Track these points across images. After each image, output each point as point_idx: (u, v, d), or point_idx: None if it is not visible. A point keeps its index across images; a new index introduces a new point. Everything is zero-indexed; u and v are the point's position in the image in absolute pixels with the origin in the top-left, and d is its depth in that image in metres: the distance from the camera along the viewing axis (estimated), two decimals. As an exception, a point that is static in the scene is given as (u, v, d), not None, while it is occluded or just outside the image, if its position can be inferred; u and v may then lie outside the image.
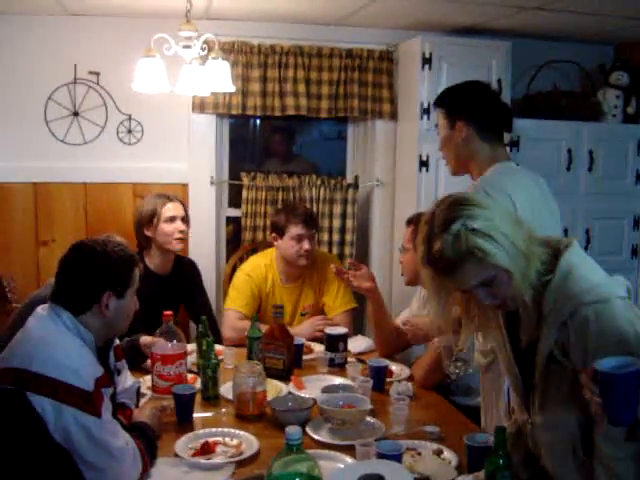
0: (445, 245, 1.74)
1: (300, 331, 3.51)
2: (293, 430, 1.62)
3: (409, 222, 3.22)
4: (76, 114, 4.27)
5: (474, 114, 2.65)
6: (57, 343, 2.08)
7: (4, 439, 2.02)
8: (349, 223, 4.55)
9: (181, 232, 3.63)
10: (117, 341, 2.45)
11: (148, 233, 3.60)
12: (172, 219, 3.61)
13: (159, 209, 3.60)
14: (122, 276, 2.22)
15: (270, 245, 3.95)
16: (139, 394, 2.61)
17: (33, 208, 4.31)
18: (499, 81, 4.23)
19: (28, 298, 2.92)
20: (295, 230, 3.65)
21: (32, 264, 4.33)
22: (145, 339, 2.91)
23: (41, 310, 2.20)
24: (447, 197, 1.83)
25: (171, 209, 3.64)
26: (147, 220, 3.61)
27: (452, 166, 2.75)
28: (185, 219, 3.69)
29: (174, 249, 3.62)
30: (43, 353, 2.03)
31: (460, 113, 2.66)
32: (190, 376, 2.88)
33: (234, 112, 4.37)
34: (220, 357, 2.98)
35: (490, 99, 2.76)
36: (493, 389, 2.46)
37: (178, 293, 3.72)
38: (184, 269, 3.79)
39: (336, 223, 4.53)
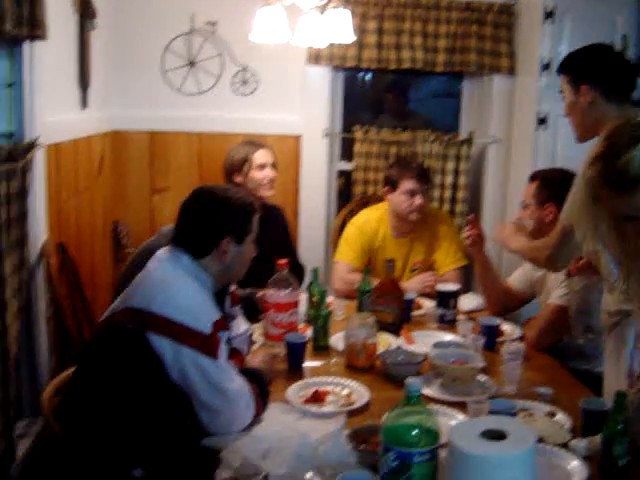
0: (633, 161, 1.66)
1: (409, 286, 3.47)
2: (413, 382, 1.61)
3: (533, 178, 3.13)
4: (192, 64, 4.30)
5: (598, 77, 2.55)
6: (177, 285, 2.12)
7: (125, 377, 2.09)
8: (461, 180, 4.46)
9: (271, 179, 3.63)
10: (233, 287, 2.48)
11: (238, 180, 3.60)
12: (262, 166, 3.61)
13: (250, 156, 3.60)
14: (242, 222, 2.24)
15: (381, 199, 3.92)
16: (251, 340, 2.64)
17: (148, 156, 4.40)
18: (624, 37, 4.03)
19: (141, 246, 2.98)
20: (408, 185, 3.60)
21: (146, 211, 4.43)
22: (262, 293, 2.94)
23: (162, 253, 2.24)
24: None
25: (262, 156, 3.64)
26: (238, 167, 3.61)
27: (579, 133, 2.64)
28: (275, 166, 3.69)
29: (264, 195, 3.61)
30: (163, 294, 2.08)
31: (584, 78, 2.56)
32: (301, 325, 2.90)
33: (349, 64, 4.33)
34: (330, 308, 2.99)
35: (614, 60, 2.64)
36: (615, 352, 2.38)
37: (266, 239, 3.72)
38: (271, 215, 3.79)
39: (448, 180, 4.45)
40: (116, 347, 2.11)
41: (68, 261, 3.12)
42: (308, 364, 2.64)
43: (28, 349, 2.91)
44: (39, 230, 2.91)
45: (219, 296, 2.29)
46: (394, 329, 2.98)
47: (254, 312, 2.95)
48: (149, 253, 2.40)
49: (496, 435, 1.55)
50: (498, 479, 1.53)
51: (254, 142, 3.73)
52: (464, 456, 1.53)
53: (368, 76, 4.87)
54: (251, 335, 2.64)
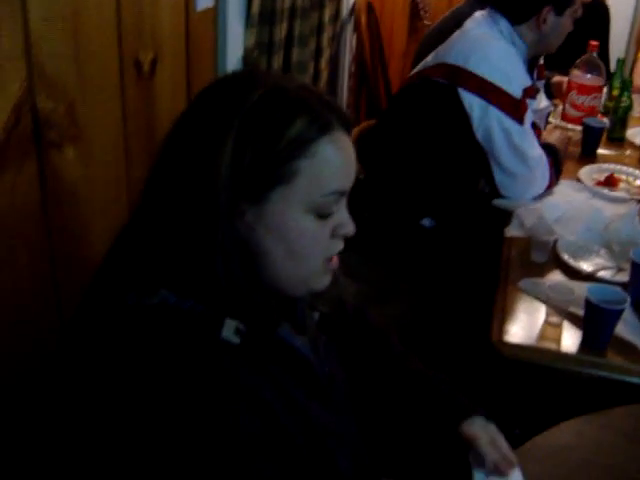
0: None
1: None
2: None
3: None
4: None
5: None
6: (493, 46, 2.14)
7: (430, 129, 2.21)
8: None
9: None
10: (542, 60, 2.46)
11: None
12: None
13: None
14: None
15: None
16: (548, 117, 2.64)
17: None
18: None
19: (451, 10, 2.98)
20: None
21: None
22: (558, 78, 2.88)
23: (480, 14, 2.25)
24: None
25: None
26: None
27: None
28: None
29: None
30: (479, 53, 2.11)
31: None
32: (598, 115, 2.84)
33: None
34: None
35: None
36: None
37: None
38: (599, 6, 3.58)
39: None
40: (425, 100, 2.21)
41: (374, 21, 3.21)
42: (602, 152, 2.61)
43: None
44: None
45: (529, 66, 2.29)
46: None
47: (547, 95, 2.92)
48: (458, 16, 2.43)
49: None
50: None
51: None
52: None
53: None
54: (549, 114, 2.64)
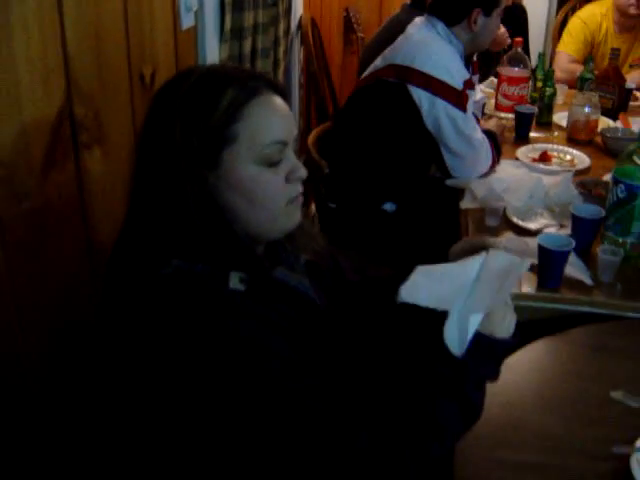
0: None
1: (630, 78, 3.60)
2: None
3: None
4: None
5: None
6: (434, 46, 2.43)
7: (385, 123, 2.48)
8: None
9: None
10: (475, 57, 2.77)
11: None
12: None
13: None
14: None
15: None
16: (484, 108, 2.96)
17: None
18: None
19: (387, 20, 3.27)
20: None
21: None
22: None
23: (419, 20, 2.55)
24: None
25: None
26: None
27: None
28: None
29: None
30: (423, 53, 2.40)
31: None
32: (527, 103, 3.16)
33: None
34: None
35: None
36: None
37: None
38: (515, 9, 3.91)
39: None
40: (378, 98, 2.49)
41: (317, 35, 3.49)
42: (533, 134, 2.92)
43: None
44: (298, 5, 3.28)
45: (466, 62, 2.58)
46: (612, 114, 3.18)
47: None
48: (397, 24, 2.73)
49: None
50: None
51: None
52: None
53: None
54: (484, 105, 2.95)
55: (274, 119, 1.15)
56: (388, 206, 2.56)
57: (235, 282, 1.10)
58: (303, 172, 1.18)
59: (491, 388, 1.18)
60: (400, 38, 2.54)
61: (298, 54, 3.38)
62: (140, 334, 1.07)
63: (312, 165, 2.71)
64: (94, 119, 1.58)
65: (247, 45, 2.37)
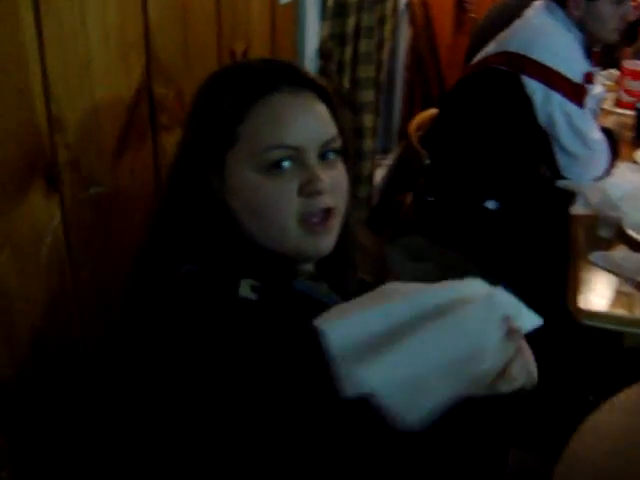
0: None
1: None
2: None
3: None
4: None
5: None
6: (554, 34, 2.23)
7: (493, 115, 2.30)
8: None
9: None
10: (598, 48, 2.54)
11: None
12: None
13: None
14: None
15: None
16: (602, 104, 2.73)
17: None
18: None
19: (500, 2, 3.06)
20: None
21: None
22: None
23: (538, 5, 2.34)
24: None
25: None
26: None
27: None
28: None
29: None
30: (542, 41, 2.21)
31: None
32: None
33: None
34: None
35: None
36: None
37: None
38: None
39: None
40: (488, 87, 2.31)
41: (427, 14, 3.31)
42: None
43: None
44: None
45: (586, 53, 2.37)
46: None
47: None
48: (512, 6, 2.53)
49: None
50: None
51: None
52: None
53: None
54: (602, 100, 2.72)
55: (283, 120, 1.00)
56: (490, 204, 2.38)
57: (245, 290, 0.98)
58: (317, 186, 0.99)
59: (594, 432, 1.01)
60: (516, 23, 2.34)
61: (405, 34, 3.20)
62: (144, 332, 1.01)
63: (411, 154, 2.56)
64: (176, 99, 1.46)
65: (351, 23, 2.22)
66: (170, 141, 1.46)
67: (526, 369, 0.91)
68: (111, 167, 1.30)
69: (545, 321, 0.94)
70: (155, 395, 0.99)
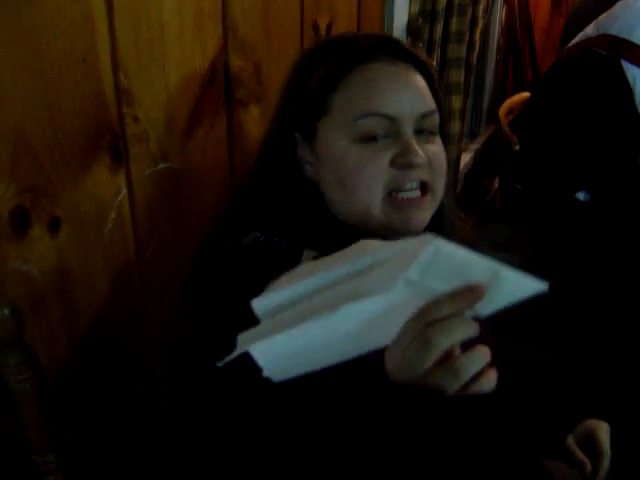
0: None
1: None
2: None
3: None
4: None
5: None
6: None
7: (589, 101, 2.16)
8: None
9: None
10: None
11: None
12: None
13: None
14: None
15: None
16: None
17: None
18: None
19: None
20: None
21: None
22: None
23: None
24: None
25: None
26: None
27: None
28: None
29: None
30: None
31: None
32: None
33: None
34: None
35: None
36: None
37: None
38: None
39: None
40: (584, 71, 2.17)
41: (524, 6, 3.17)
42: None
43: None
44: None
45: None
46: None
47: None
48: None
49: None
50: None
51: None
52: None
53: None
54: None
55: (379, 88, 0.96)
56: (582, 195, 2.25)
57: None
58: (412, 158, 0.93)
59: None
60: (620, 4, 2.20)
61: (499, 13, 3.06)
62: (201, 297, 0.98)
63: (501, 139, 2.45)
64: (254, 73, 1.40)
65: (441, 0, 2.11)
66: (246, 118, 1.40)
67: (475, 365, 0.68)
68: (181, 143, 1.24)
69: (635, 320, 0.85)
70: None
